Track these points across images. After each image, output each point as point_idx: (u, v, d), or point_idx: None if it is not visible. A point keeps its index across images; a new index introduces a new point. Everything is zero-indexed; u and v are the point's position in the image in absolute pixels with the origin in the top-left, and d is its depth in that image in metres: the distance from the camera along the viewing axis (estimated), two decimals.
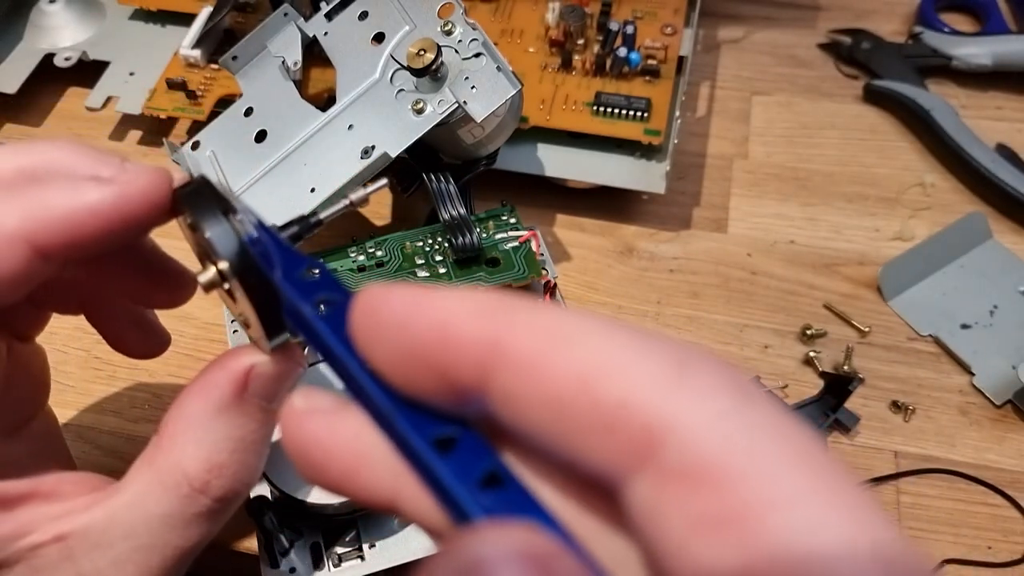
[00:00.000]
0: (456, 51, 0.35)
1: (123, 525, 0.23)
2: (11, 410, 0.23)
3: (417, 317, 0.16)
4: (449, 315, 0.15)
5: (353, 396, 0.18)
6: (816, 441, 0.14)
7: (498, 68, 0.34)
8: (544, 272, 0.36)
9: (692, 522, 0.13)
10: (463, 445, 0.16)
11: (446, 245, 0.37)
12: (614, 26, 0.43)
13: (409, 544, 0.30)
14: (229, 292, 0.22)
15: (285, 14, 0.39)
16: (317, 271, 0.20)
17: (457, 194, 0.36)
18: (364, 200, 0.24)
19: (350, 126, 0.36)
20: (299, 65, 0.38)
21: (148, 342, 0.28)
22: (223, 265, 0.21)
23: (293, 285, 0.19)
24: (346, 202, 0.24)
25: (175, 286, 0.26)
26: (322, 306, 0.19)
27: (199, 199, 0.22)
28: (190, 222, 0.22)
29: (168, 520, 0.23)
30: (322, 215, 0.23)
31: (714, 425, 0.13)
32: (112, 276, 0.26)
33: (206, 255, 0.23)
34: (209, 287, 0.22)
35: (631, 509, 0.14)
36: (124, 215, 0.22)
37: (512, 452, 0.16)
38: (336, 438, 0.17)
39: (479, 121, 0.34)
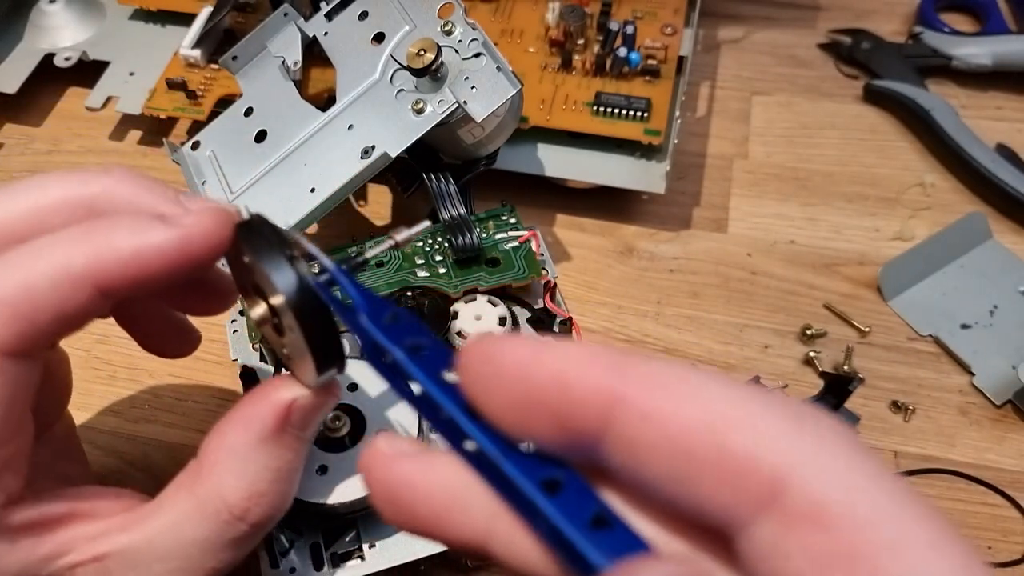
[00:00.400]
0: (456, 51, 0.35)
1: (160, 548, 0.23)
2: (38, 414, 0.24)
3: (538, 368, 0.17)
4: (569, 366, 0.16)
5: (447, 439, 0.18)
6: (916, 491, 0.15)
7: (498, 68, 0.34)
8: (544, 272, 0.36)
9: (813, 561, 0.14)
10: (568, 487, 0.17)
11: (446, 245, 0.37)
12: (614, 26, 0.43)
13: (409, 544, 0.30)
14: (276, 327, 0.23)
15: (285, 14, 0.39)
16: (400, 316, 0.20)
17: (457, 194, 0.36)
18: (408, 240, 0.24)
19: (350, 126, 0.36)
20: (299, 65, 0.38)
21: (180, 342, 0.28)
22: (277, 300, 0.22)
23: (380, 330, 0.20)
24: (391, 242, 0.24)
25: (217, 295, 0.26)
26: (414, 351, 0.19)
27: (257, 237, 0.22)
28: (248, 260, 0.22)
29: (205, 544, 0.23)
30: (368, 254, 0.24)
31: (835, 474, 0.15)
32: (170, 296, 0.26)
33: (258, 291, 0.23)
34: (261, 322, 0.23)
35: (751, 549, 0.15)
36: (188, 256, 0.22)
37: (610, 491, 0.17)
38: (428, 480, 0.18)
39: (479, 121, 0.34)
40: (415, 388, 0.19)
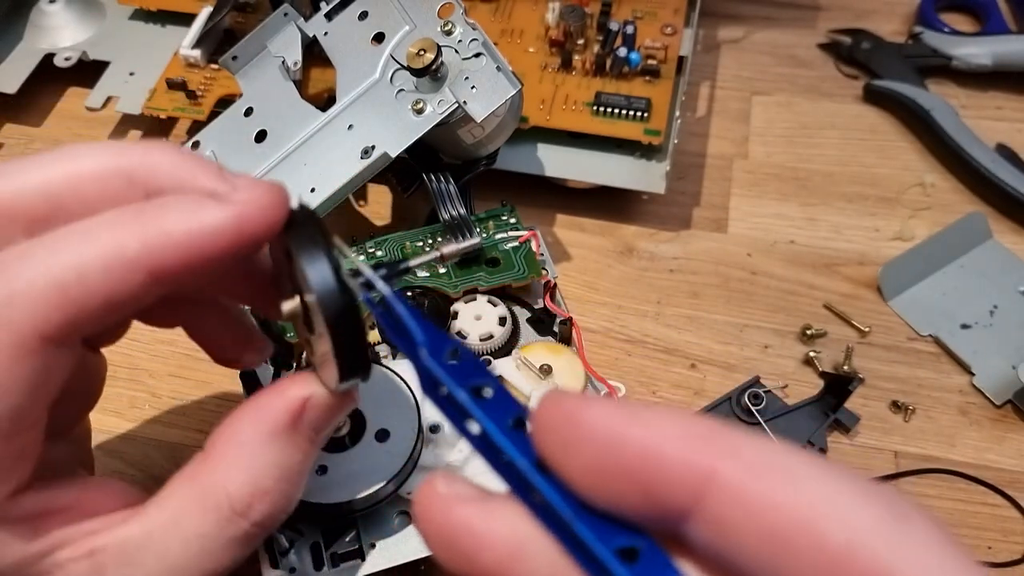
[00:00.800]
0: (456, 51, 0.35)
1: (157, 543, 0.22)
2: (64, 415, 0.23)
3: (625, 437, 0.16)
4: (660, 438, 0.16)
5: (509, 484, 0.18)
6: None
7: (498, 68, 0.34)
8: (544, 272, 0.36)
9: None
10: (646, 556, 0.16)
11: None
12: (614, 26, 0.43)
13: (409, 544, 0.30)
14: (307, 324, 0.23)
15: (285, 14, 0.39)
16: (461, 354, 0.19)
17: (457, 194, 0.36)
18: (454, 255, 0.24)
19: (350, 126, 0.36)
20: (299, 65, 0.38)
21: (250, 351, 0.28)
22: (311, 299, 0.21)
23: (443, 369, 0.19)
24: (437, 254, 0.24)
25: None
26: (479, 394, 0.19)
27: (303, 230, 0.22)
28: (290, 251, 0.22)
29: (203, 541, 0.22)
30: (411, 263, 0.23)
31: (933, 573, 0.15)
32: (227, 285, 0.26)
33: (294, 283, 0.23)
34: (290, 317, 0.22)
35: None
36: (244, 236, 0.21)
37: (686, 561, 0.17)
38: (490, 528, 0.17)
39: (479, 121, 0.34)
40: (473, 427, 0.18)
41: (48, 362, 0.20)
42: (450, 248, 0.24)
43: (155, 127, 0.47)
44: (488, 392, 0.19)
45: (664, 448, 0.16)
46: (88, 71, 0.47)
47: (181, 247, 0.20)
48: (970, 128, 0.45)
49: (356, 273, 0.21)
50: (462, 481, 0.18)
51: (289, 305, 0.22)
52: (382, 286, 0.21)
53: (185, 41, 0.45)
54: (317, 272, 0.21)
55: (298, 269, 0.21)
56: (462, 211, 0.36)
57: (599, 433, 0.16)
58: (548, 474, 0.17)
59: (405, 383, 0.31)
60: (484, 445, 0.18)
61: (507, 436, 0.18)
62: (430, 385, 0.19)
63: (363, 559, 0.30)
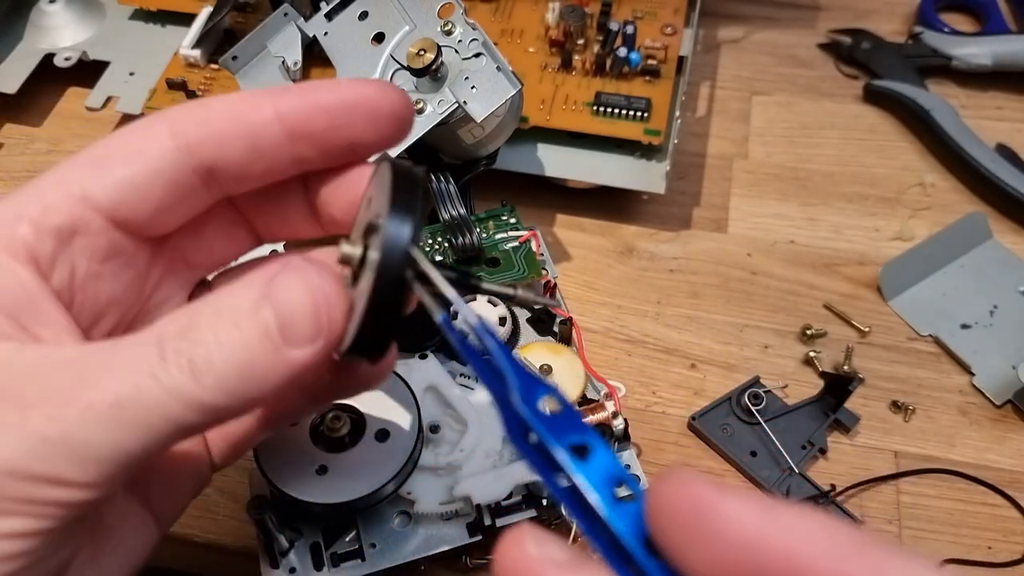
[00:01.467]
0: (456, 51, 0.35)
1: (87, 374, 0.19)
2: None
3: (765, 540, 0.15)
4: (799, 545, 0.15)
5: (601, 549, 0.16)
6: None
7: (498, 68, 0.34)
8: (544, 272, 0.36)
9: None
10: None
11: (446, 245, 0.37)
12: (614, 26, 0.43)
13: (409, 544, 0.30)
14: (355, 278, 0.21)
15: (285, 14, 0.39)
16: (558, 403, 0.18)
17: (457, 194, 0.36)
18: (526, 301, 0.22)
19: None
20: (299, 65, 0.38)
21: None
22: (373, 254, 0.19)
23: (539, 420, 0.17)
24: (511, 292, 0.22)
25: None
26: (580, 454, 0.17)
27: (405, 185, 0.20)
28: (370, 200, 0.21)
29: (129, 385, 0.19)
30: (484, 285, 0.21)
31: None
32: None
33: (367, 235, 0.21)
34: (345, 260, 0.21)
35: None
36: (361, 109, 0.22)
37: None
38: None
39: (479, 121, 0.34)
40: (563, 481, 0.17)
41: (175, 158, 0.22)
42: (526, 294, 0.22)
43: None
44: (587, 449, 0.17)
45: (804, 557, 0.15)
46: (88, 71, 0.47)
47: (309, 101, 0.22)
48: (970, 128, 0.45)
49: (425, 279, 0.20)
50: (551, 541, 0.17)
51: (349, 248, 0.21)
52: (469, 313, 0.19)
53: (185, 41, 0.45)
54: (397, 231, 0.19)
55: (379, 220, 0.20)
56: (462, 211, 0.36)
57: (733, 531, 0.15)
58: (655, 552, 0.16)
59: (405, 383, 0.31)
60: (576, 504, 0.17)
61: (615, 511, 0.16)
62: (517, 432, 0.18)
63: (363, 559, 0.30)
